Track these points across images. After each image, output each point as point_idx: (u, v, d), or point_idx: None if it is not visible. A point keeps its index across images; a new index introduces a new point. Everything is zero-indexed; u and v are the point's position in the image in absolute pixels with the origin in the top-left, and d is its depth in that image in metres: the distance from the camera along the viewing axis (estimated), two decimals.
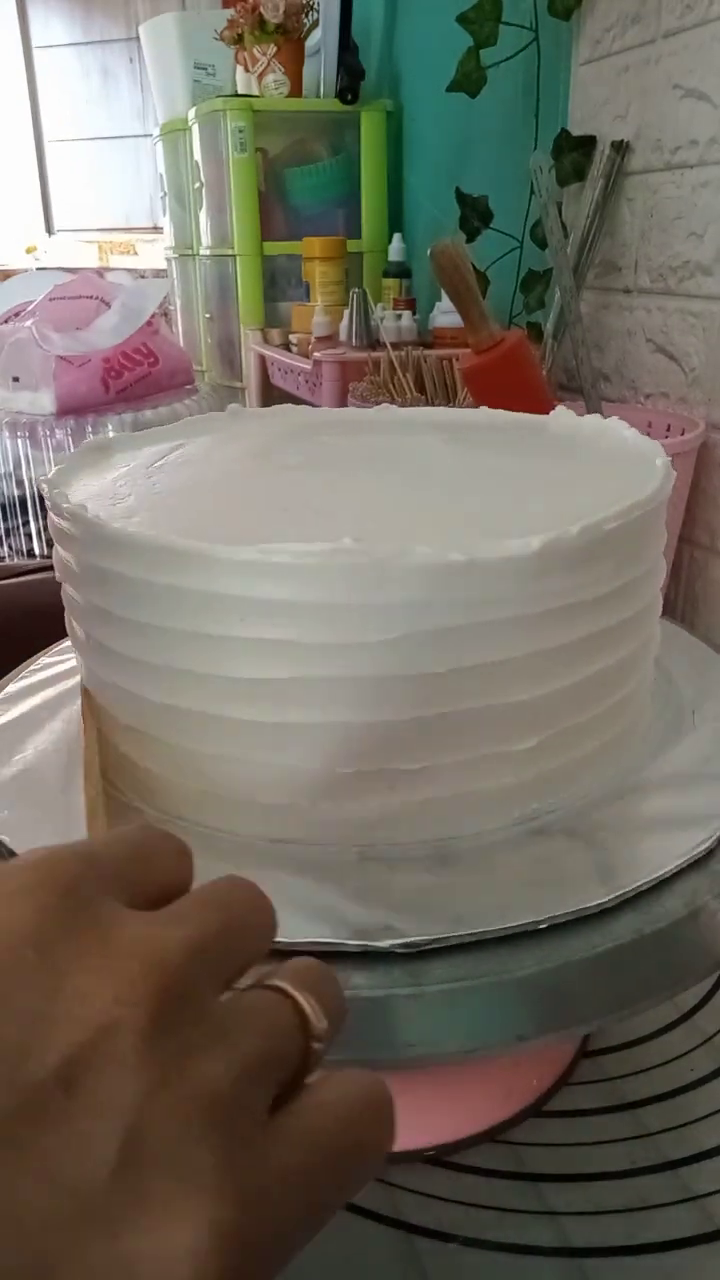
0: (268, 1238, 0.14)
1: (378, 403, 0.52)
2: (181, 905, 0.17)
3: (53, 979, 0.14)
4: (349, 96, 1.44)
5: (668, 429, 0.87)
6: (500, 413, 0.44)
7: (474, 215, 1.09)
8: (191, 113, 1.57)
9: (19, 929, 0.14)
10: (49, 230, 2.86)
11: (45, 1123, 0.13)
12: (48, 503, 0.33)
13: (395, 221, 1.53)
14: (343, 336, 1.23)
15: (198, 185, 1.60)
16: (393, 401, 0.92)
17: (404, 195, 1.52)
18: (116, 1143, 0.13)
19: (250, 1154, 0.14)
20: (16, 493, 1.00)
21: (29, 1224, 0.12)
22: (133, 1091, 0.13)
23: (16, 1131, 0.13)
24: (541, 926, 0.27)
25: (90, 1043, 0.13)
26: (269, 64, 1.47)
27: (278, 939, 0.22)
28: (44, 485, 0.34)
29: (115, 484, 0.36)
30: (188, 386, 1.16)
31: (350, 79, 1.43)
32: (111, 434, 0.96)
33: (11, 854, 0.30)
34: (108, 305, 1.08)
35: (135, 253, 2.72)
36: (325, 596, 0.27)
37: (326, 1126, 0.15)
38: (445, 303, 1.20)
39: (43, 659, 0.44)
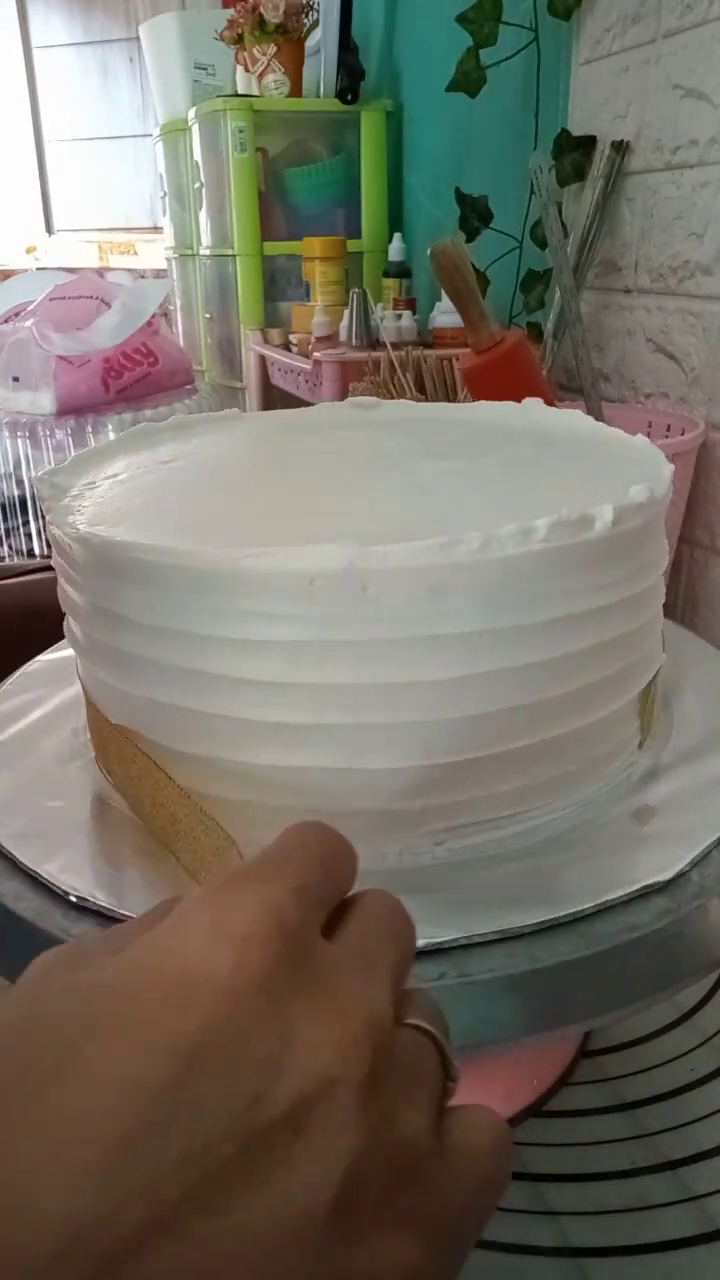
0: (448, 1269, 0.16)
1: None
2: (374, 950, 0.18)
3: (285, 1029, 0.15)
4: (349, 96, 1.44)
5: (668, 429, 0.86)
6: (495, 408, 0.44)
7: (474, 215, 1.09)
8: (191, 112, 1.57)
9: (252, 976, 0.15)
10: (49, 230, 2.86)
11: (275, 1159, 0.14)
12: (45, 514, 0.33)
13: (395, 221, 1.53)
14: (343, 336, 1.23)
15: (198, 185, 1.60)
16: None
17: (404, 195, 1.52)
18: (336, 1184, 0.14)
19: (440, 1198, 0.16)
20: (16, 493, 1.00)
21: (257, 1245, 0.14)
22: (352, 1141, 0.15)
23: (250, 1164, 0.14)
24: (541, 928, 0.27)
25: (318, 1094, 0.15)
26: (269, 64, 1.47)
27: None
28: (41, 496, 0.34)
29: (114, 490, 0.36)
30: (188, 387, 1.16)
31: (350, 79, 1.43)
32: (111, 435, 0.95)
33: (8, 859, 0.30)
34: (108, 305, 1.07)
35: (135, 253, 2.72)
36: (326, 606, 0.27)
37: (483, 1168, 0.17)
38: (445, 303, 1.20)
39: (43, 659, 0.44)
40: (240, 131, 1.43)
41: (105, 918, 0.28)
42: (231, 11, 1.50)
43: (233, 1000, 0.15)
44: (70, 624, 0.34)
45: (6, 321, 1.07)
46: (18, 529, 1.01)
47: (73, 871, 0.29)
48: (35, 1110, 0.14)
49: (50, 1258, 0.12)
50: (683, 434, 0.82)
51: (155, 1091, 0.14)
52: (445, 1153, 0.16)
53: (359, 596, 0.26)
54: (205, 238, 1.62)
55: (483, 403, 0.45)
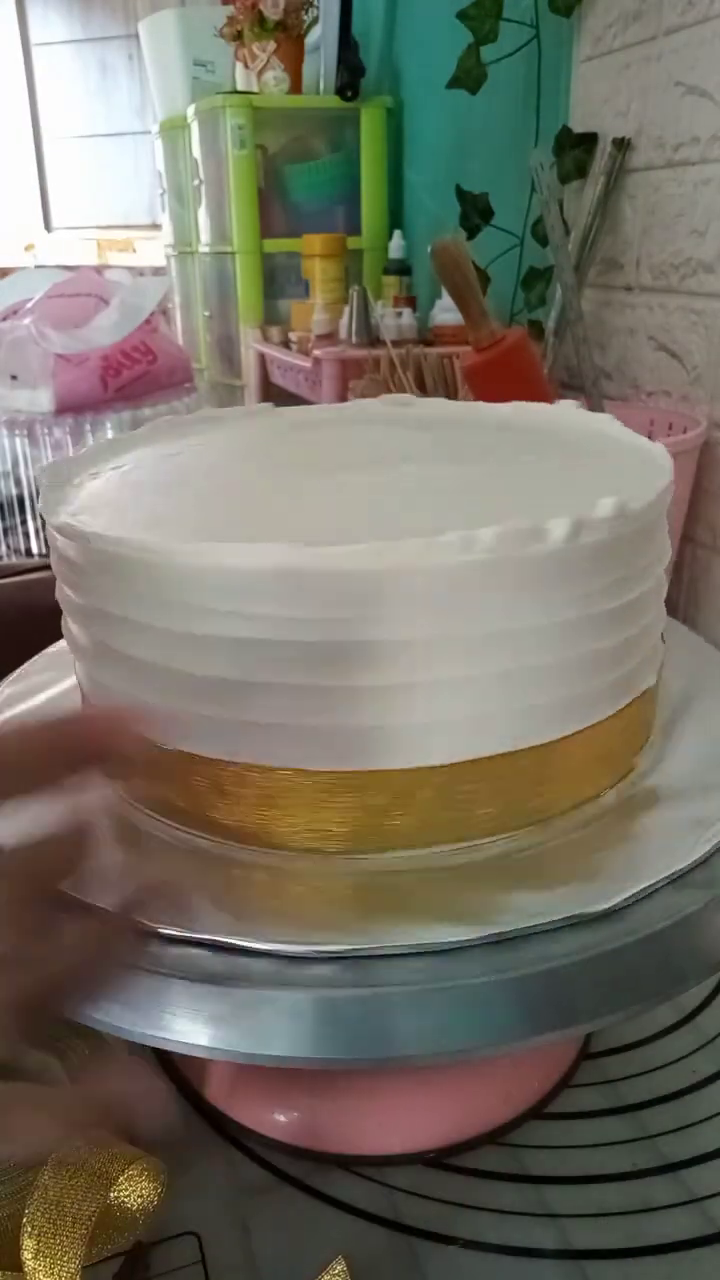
0: None
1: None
2: None
3: None
4: (349, 93, 1.44)
5: (670, 427, 0.86)
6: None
7: (474, 212, 1.09)
8: (191, 109, 1.56)
9: None
10: (48, 227, 2.86)
11: None
12: (42, 513, 0.32)
13: (395, 218, 1.53)
14: (343, 334, 1.22)
15: (197, 182, 1.59)
16: None
17: (404, 192, 1.52)
18: None
19: None
20: (15, 491, 0.99)
21: None
22: None
23: None
24: (542, 930, 0.26)
25: None
26: (268, 61, 1.46)
27: (280, 944, 0.22)
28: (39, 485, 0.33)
29: (110, 482, 0.36)
30: (186, 385, 1.16)
31: (350, 76, 1.43)
32: (109, 434, 0.95)
33: None
34: (107, 303, 1.07)
35: (134, 250, 2.71)
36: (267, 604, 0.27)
37: None
38: (446, 300, 1.19)
39: (41, 660, 0.44)
40: (240, 128, 1.43)
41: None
42: (231, 8, 1.50)
43: None
44: (64, 620, 0.34)
45: (5, 319, 1.06)
46: (15, 528, 1.01)
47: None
48: None
49: None
50: (685, 432, 0.82)
51: None
52: None
53: (298, 597, 0.26)
54: (204, 235, 1.62)
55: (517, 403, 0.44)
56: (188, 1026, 0.25)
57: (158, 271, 2.09)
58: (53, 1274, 0.27)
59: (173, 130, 1.68)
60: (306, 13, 1.50)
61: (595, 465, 0.36)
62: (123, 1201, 0.30)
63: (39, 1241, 0.28)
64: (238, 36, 1.49)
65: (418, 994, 0.25)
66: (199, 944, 0.26)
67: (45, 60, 2.69)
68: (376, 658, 0.27)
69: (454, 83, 1.03)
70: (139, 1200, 0.30)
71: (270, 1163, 0.35)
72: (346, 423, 0.44)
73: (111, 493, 0.34)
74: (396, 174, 1.52)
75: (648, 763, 0.34)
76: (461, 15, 1.00)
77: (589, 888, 0.28)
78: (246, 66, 1.50)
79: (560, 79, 1.03)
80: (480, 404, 0.44)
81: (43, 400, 1.00)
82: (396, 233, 1.37)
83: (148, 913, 0.27)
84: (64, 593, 0.33)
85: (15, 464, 0.99)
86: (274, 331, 1.43)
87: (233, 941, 0.26)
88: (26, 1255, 0.28)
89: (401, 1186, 0.34)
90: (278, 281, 1.55)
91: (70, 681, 0.39)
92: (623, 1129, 0.36)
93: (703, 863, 0.29)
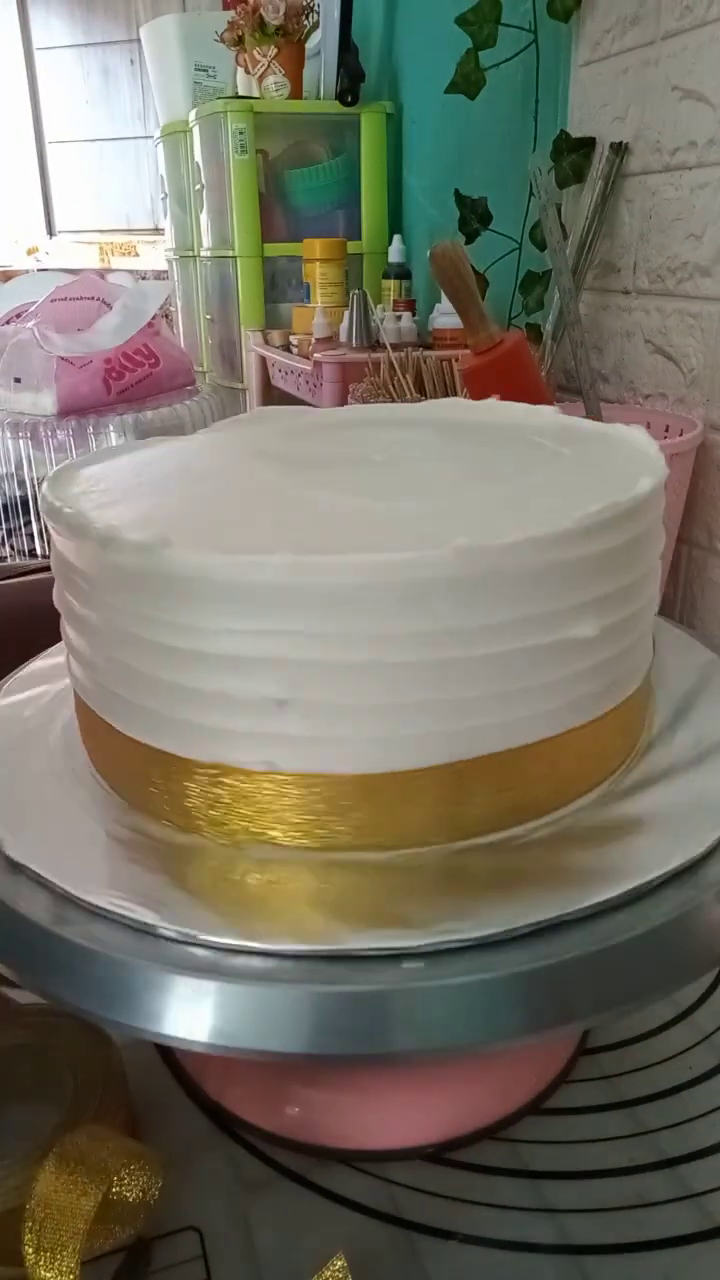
0: None
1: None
2: None
3: None
4: (349, 98, 1.44)
5: (666, 430, 0.87)
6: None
7: (473, 216, 1.09)
8: (192, 114, 1.57)
9: None
10: (50, 232, 2.87)
11: None
12: (43, 514, 0.33)
13: (395, 223, 1.54)
14: (343, 338, 1.23)
15: (198, 187, 1.60)
16: (392, 402, 0.92)
17: (404, 197, 1.53)
18: None
19: None
20: (18, 493, 1.00)
21: None
22: None
23: None
24: (540, 927, 0.27)
25: None
26: (269, 66, 1.47)
27: (272, 944, 0.22)
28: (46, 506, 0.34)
29: (105, 485, 0.36)
30: (188, 388, 1.16)
31: (350, 81, 1.44)
32: (112, 436, 0.95)
33: (11, 864, 0.30)
34: (109, 306, 1.08)
35: (136, 254, 2.72)
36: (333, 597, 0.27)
37: None
38: (445, 304, 1.20)
39: (42, 660, 0.44)
40: (241, 133, 1.43)
41: (94, 914, 0.28)
42: (232, 13, 1.50)
43: None
44: (63, 624, 0.34)
45: (8, 323, 1.07)
46: (19, 529, 1.01)
47: (65, 867, 0.30)
48: None
49: None
50: (681, 435, 0.82)
51: None
52: None
53: (314, 604, 0.27)
54: (206, 239, 1.62)
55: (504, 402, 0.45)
56: (189, 1022, 0.26)
57: (160, 275, 2.10)
58: (54, 1268, 0.28)
59: (174, 135, 1.69)
60: (307, 18, 1.50)
61: (590, 465, 0.36)
62: (123, 1196, 0.30)
63: (40, 1236, 0.28)
64: (239, 42, 1.49)
65: (416, 990, 0.25)
66: (198, 942, 0.27)
67: (47, 65, 2.70)
68: (357, 661, 0.27)
69: (453, 88, 1.04)
70: (139, 1195, 0.30)
71: (271, 1158, 0.35)
72: (348, 425, 0.45)
73: (113, 490, 0.35)
74: (396, 179, 1.53)
75: (645, 758, 0.35)
76: (460, 20, 1.01)
77: (586, 884, 0.28)
78: (247, 72, 1.50)
79: (558, 84, 1.03)
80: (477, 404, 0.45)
81: (46, 403, 1.00)
82: (396, 237, 1.37)
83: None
84: (62, 595, 0.33)
85: (19, 466, 1.00)
86: (275, 335, 1.44)
87: (232, 942, 0.26)
88: (28, 1249, 0.28)
89: (401, 1181, 0.34)
90: (279, 285, 1.55)
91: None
92: (621, 1124, 0.36)
93: (701, 858, 0.29)
